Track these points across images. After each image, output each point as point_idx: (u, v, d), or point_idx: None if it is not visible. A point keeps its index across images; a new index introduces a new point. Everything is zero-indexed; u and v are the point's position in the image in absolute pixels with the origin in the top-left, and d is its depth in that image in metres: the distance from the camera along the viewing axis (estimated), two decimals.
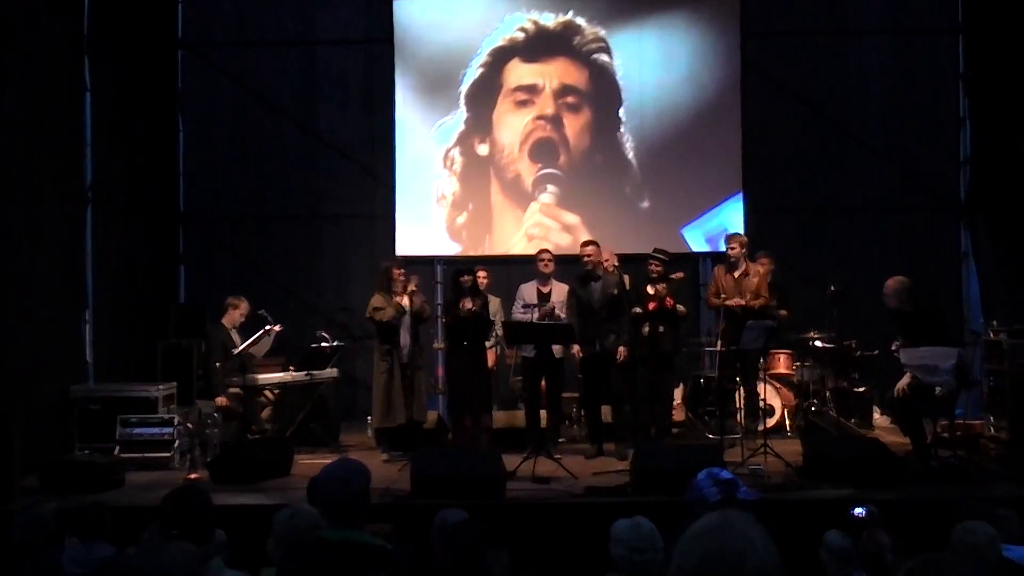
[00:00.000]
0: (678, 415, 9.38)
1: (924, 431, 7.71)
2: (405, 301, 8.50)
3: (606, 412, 8.75)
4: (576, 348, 8.51)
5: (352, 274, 11.28)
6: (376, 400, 8.59)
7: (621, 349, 8.45)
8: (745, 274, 8.68)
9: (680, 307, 8.67)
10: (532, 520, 6.50)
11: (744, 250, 8.85)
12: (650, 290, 8.55)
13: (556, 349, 8.55)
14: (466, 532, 4.03)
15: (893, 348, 7.84)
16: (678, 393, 9.37)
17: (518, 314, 8.65)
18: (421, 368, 8.71)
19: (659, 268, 8.64)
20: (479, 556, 3.93)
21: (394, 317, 8.46)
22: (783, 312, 9.16)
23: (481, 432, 8.48)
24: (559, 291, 8.75)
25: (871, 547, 4.17)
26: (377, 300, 8.57)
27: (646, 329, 8.53)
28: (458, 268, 9.02)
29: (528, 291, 8.75)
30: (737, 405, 8.80)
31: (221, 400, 8.82)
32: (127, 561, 3.82)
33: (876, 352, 9.41)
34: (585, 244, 8.87)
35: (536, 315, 8.45)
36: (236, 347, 8.95)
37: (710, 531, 1.91)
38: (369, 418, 9.54)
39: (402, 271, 8.66)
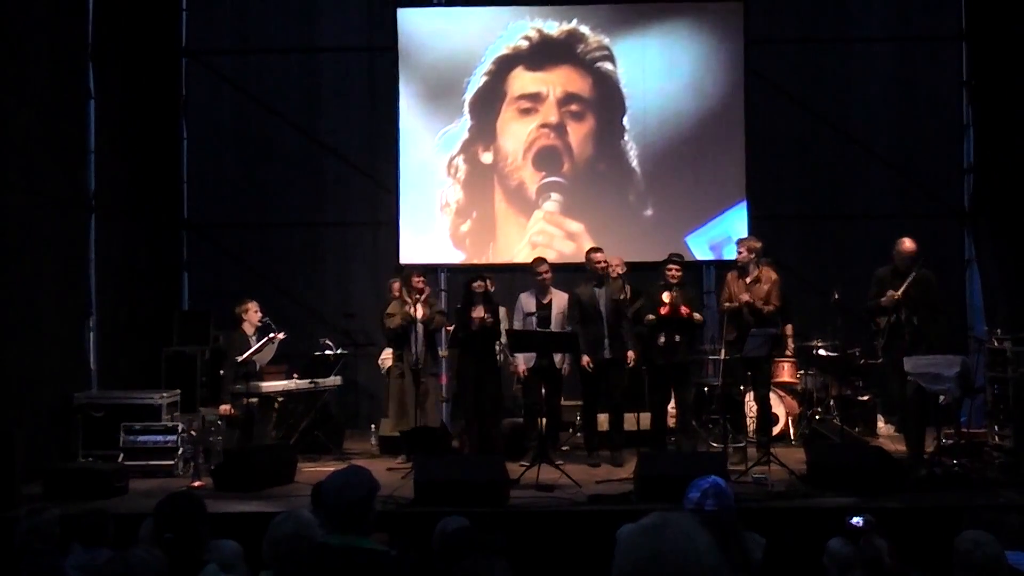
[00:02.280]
0: None
1: (923, 441, 7.70)
2: (414, 310, 8.57)
3: (602, 420, 8.72)
4: (586, 360, 8.37)
5: (355, 281, 11.30)
6: (390, 405, 8.93)
7: (630, 353, 8.42)
8: (757, 280, 8.52)
9: (696, 315, 8.61)
10: (535, 528, 6.49)
11: (754, 255, 8.54)
12: (665, 297, 8.48)
13: (557, 359, 8.52)
14: (465, 539, 4.02)
15: (883, 300, 7.90)
16: None
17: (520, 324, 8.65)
18: (433, 375, 8.75)
19: (679, 273, 8.56)
20: (479, 564, 3.92)
21: (400, 325, 8.59)
22: (788, 328, 9.10)
23: (494, 440, 8.46)
24: (559, 300, 8.74)
25: (870, 552, 4.21)
26: (391, 307, 8.89)
27: (662, 340, 8.47)
28: (471, 275, 8.99)
29: (527, 301, 8.73)
30: (750, 415, 8.76)
31: (225, 408, 8.82)
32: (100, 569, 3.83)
33: (880, 360, 9.37)
34: (595, 251, 8.79)
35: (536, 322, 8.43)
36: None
37: (649, 530, 1.89)
38: (373, 426, 9.55)
39: (421, 279, 8.77)
